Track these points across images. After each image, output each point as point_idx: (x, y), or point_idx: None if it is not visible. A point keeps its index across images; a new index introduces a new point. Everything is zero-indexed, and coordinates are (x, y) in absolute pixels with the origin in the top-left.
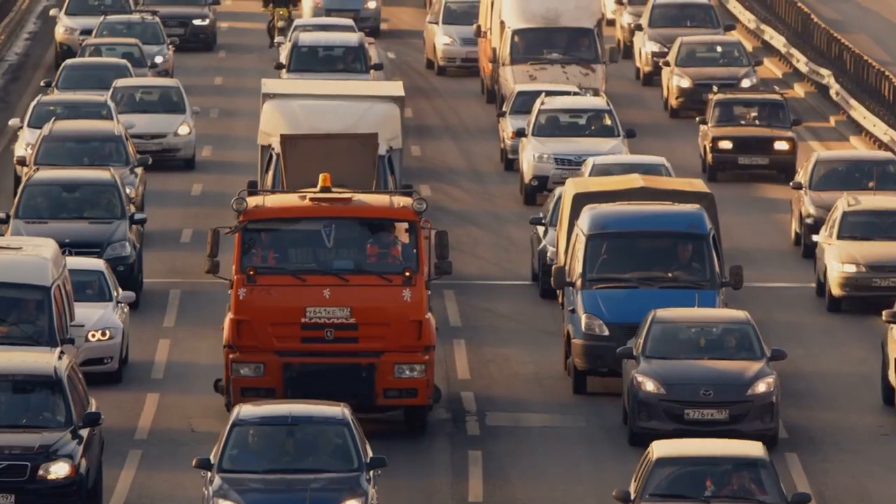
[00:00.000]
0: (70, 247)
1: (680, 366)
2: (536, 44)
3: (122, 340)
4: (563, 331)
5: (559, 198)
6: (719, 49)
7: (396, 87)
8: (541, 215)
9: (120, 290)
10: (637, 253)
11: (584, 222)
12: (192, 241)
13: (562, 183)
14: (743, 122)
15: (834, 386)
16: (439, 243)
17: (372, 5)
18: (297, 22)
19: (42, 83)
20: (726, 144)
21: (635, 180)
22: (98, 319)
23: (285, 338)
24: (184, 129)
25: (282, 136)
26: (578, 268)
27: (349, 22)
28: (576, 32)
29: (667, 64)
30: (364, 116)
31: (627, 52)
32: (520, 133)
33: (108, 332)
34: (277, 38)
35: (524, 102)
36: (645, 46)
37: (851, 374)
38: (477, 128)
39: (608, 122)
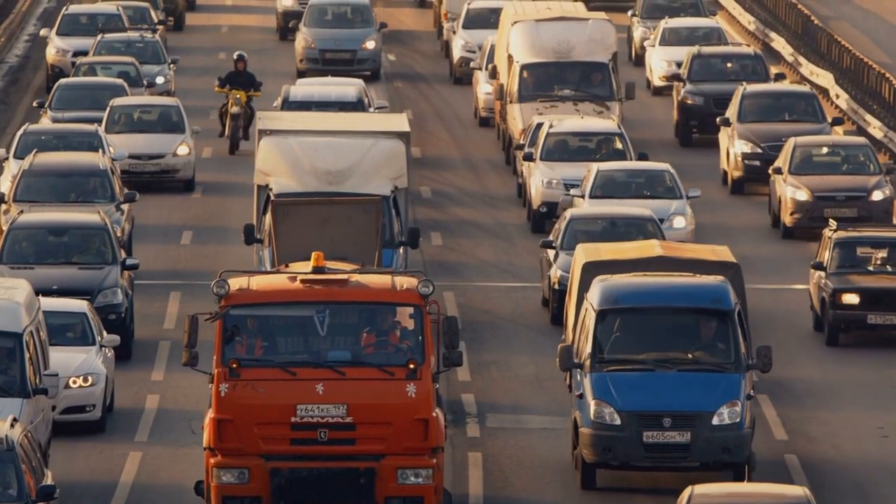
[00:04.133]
0: (58, 294)
1: None
2: (547, 79)
3: (106, 387)
4: (570, 417)
5: (570, 220)
6: (843, 153)
7: (401, 122)
8: (551, 238)
9: (104, 333)
10: (653, 331)
11: (594, 296)
12: (191, 243)
13: (573, 204)
14: (870, 269)
15: (834, 386)
16: (448, 331)
17: (370, 45)
18: (299, 81)
19: (35, 104)
20: (852, 299)
21: (653, 248)
22: (80, 365)
23: (273, 439)
24: (183, 150)
25: (272, 202)
26: (587, 347)
27: (358, 82)
28: (589, 67)
29: (778, 171)
30: (368, 154)
31: (685, 133)
32: (528, 157)
33: (90, 378)
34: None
35: None
36: (734, 146)
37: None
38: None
39: (619, 145)
